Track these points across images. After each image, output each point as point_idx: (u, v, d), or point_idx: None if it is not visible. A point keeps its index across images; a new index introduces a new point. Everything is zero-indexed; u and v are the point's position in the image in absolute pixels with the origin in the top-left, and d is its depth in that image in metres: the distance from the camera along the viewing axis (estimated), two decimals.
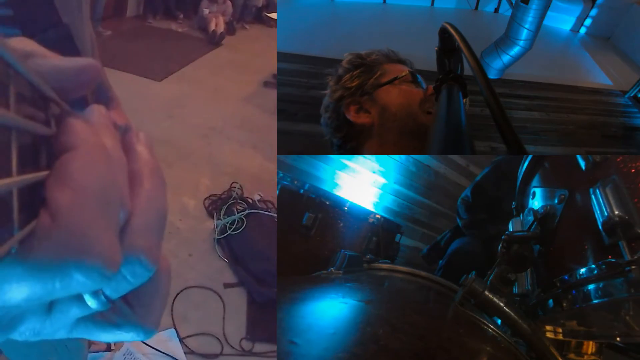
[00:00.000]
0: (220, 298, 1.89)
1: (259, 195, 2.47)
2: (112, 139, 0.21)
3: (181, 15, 5.66)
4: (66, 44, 0.49)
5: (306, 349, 0.51)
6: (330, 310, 0.68)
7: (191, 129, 3.07)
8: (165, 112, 3.21)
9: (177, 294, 1.84)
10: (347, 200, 1.27)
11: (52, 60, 0.21)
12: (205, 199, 2.40)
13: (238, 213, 2.27)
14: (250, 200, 2.42)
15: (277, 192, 1.23)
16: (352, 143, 0.90)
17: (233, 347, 1.73)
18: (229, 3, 5.61)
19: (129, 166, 0.22)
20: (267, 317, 1.87)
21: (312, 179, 2.21)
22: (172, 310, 1.76)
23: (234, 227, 2.20)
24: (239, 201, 2.39)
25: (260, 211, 2.34)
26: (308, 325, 0.60)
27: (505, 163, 1.78)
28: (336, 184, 2.34)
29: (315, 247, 1.19)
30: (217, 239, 2.15)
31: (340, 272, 0.93)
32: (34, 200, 0.18)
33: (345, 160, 2.36)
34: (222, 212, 2.29)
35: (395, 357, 0.51)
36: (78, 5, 0.54)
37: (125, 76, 3.57)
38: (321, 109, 0.97)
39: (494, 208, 1.73)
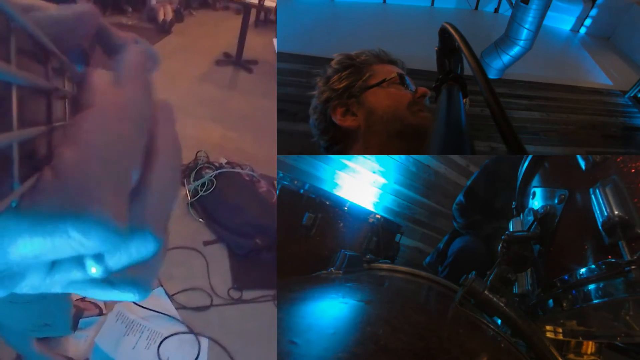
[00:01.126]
0: (202, 255, 1.95)
1: (225, 159, 2.56)
2: (142, 89, 0.21)
3: (130, 9, 5.75)
4: None
5: (306, 349, 0.51)
6: (330, 310, 0.68)
7: None
8: None
9: None
10: (347, 200, 1.27)
11: (51, 11, 0.21)
12: None
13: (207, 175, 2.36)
14: (217, 164, 2.49)
15: (277, 192, 1.23)
16: (339, 146, 0.89)
17: (222, 298, 1.77)
18: None
19: (148, 134, 0.22)
20: (250, 266, 1.95)
21: (312, 179, 2.21)
22: None
23: (204, 188, 2.27)
24: (206, 165, 2.47)
25: (228, 169, 2.42)
26: (308, 325, 0.60)
27: (493, 164, 1.83)
28: (336, 184, 2.35)
29: (315, 247, 1.19)
30: (191, 202, 2.22)
31: (340, 272, 0.93)
32: (35, 154, 0.18)
33: (345, 160, 2.36)
34: (192, 178, 2.36)
35: (395, 357, 0.51)
36: None
37: None
38: (310, 110, 0.96)
39: (487, 208, 1.77)
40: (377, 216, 1.30)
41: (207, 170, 2.40)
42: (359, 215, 1.28)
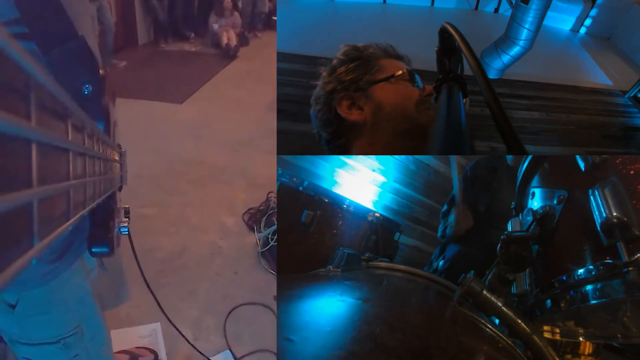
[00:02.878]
0: (272, 311, 1.82)
1: None
2: None
3: (192, 35, 5.61)
4: (85, 55, 0.51)
5: (303, 346, 0.52)
6: (327, 308, 0.68)
7: (220, 145, 3.04)
8: (192, 133, 3.18)
9: (228, 314, 1.78)
10: (346, 198, 1.27)
11: None
12: (244, 213, 2.36)
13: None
14: None
15: (276, 190, 1.23)
16: (342, 140, 0.86)
17: None
18: (237, 14, 5.52)
19: None
20: None
21: (311, 177, 2.21)
22: (224, 331, 1.71)
23: (275, 237, 2.14)
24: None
25: None
26: (305, 323, 0.61)
27: (471, 171, 1.83)
28: (335, 182, 2.35)
29: (313, 245, 1.19)
30: (261, 252, 2.09)
31: (339, 270, 0.93)
32: (54, 211, 0.17)
33: (344, 157, 2.36)
34: (262, 224, 2.24)
35: (392, 355, 0.51)
36: (88, 18, 0.56)
37: (146, 104, 3.54)
38: (311, 100, 0.93)
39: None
40: (376, 214, 1.30)
41: None
42: (358, 214, 1.28)
